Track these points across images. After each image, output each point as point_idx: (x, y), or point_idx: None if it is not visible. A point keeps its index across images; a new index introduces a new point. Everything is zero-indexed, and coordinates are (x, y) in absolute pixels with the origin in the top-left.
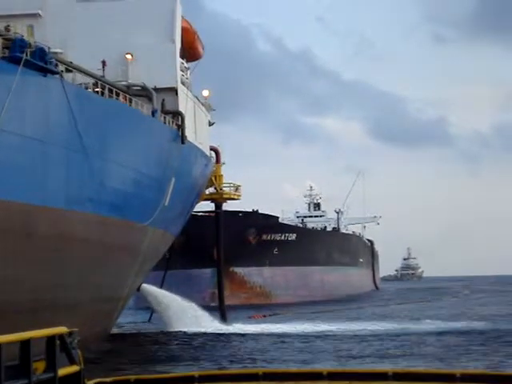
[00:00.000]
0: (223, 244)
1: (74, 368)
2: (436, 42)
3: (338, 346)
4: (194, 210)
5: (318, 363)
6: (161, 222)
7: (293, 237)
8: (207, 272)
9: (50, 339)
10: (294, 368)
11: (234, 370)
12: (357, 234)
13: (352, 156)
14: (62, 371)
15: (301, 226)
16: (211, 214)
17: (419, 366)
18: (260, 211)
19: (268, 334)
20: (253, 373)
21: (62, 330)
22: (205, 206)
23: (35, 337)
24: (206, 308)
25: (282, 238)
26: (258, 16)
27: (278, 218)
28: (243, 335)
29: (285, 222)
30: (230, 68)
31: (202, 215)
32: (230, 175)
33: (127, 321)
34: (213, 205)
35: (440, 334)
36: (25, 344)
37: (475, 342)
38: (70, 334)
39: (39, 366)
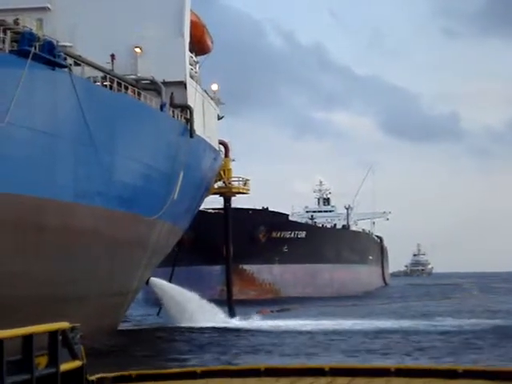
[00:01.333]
0: (233, 242)
1: (77, 363)
2: (447, 36)
3: (345, 342)
4: (204, 207)
5: (322, 358)
6: (169, 216)
7: (302, 234)
8: (217, 269)
9: (53, 334)
10: (295, 364)
11: (236, 365)
12: (366, 232)
13: (363, 151)
14: (64, 366)
15: (310, 221)
16: (221, 211)
17: (424, 363)
18: (270, 206)
19: (275, 329)
20: (254, 368)
21: (64, 325)
22: (213, 200)
23: (37, 332)
24: (216, 302)
25: (292, 235)
26: (269, 10)
27: (287, 215)
28: (249, 330)
29: (294, 217)
30: (241, 62)
31: (211, 212)
32: (240, 170)
33: (136, 314)
34: (221, 200)
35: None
36: (27, 339)
37: (484, 338)
38: (73, 329)
39: (41, 361)
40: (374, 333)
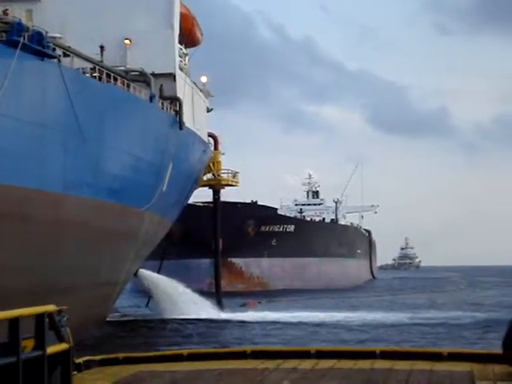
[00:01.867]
0: (222, 235)
1: (63, 346)
2: (438, 32)
3: (332, 333)
4: (193, 200)
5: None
6: (158, 208)
7: (291, 228)
8: (205, 262)
9: (39, 317)
10: (282, 346)
11: (222, 348)
12: (355, 225)
13: (352, 145)
14: (51, 349)
15: (299, 215)
16: (210, 205)
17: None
18: (259, 199)
19: (262, 320)
20: (241, 351)
21: (51, 308)
22: (203, 193)
23: (24, 315)
24: (204, 294)
25: (281, 229)
26: (259, 2)
27: (276, 209)
28: (237, 322)
29: (283, 210)
30: (231, 55)
31: (200, 205)
32: (230, 163)
33: (125, 305)
34: (210, 193)
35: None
36: (13, 322)
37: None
38: (59, 312)
39: (28, 344)
40: (361, 325)
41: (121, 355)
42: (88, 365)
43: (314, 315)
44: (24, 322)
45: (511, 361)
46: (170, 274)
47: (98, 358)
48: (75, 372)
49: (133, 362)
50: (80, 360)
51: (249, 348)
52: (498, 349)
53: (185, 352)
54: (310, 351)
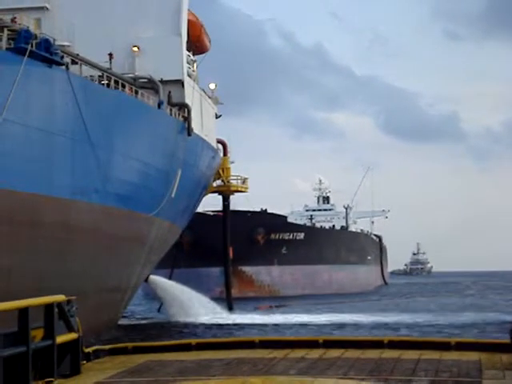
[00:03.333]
0: (232, 243)
1: (73, 335)
2: (448, 38)
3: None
4: (203, 208)
5: None
6: (167, 214)
7: (301, 236)
8: (215, 271)
9: (49, 307)
10: (290, 336)
11: (231, 338)
12: (365, 232)
13: (363, 151)
14: (61, 338)
15: (309, 221)
16: (219, 214)
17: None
18: (270, 206)
19: (273, 323)
20: (249, 340)
21: (60, 297)
22: (212, 200)
23: (33, 304)
24: (215, 300)
25: (291, 237)
26: (270, 10)
27: (286, 217)
28: (248, 325)
29: (294, 216)
30: (243, 63)
31: (210, 214)
32: (240, 169)
33: (137, 310)
34: (220, 200)
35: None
36: (23, 312)
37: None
38: (69, 301)
39: (38, 334)
40: (372, 326)
41: (130, 345)
42: (97, 354)
43: (322, 317)
44: (34, 311)
45: None
46: (181, 282)
47: (107, 347)
48: (84, 361)
49: (142, 352)
50: (89, 349)
51: (257, 337)
52: (505, 338)
53: (193, 342)
54: (318, 341)
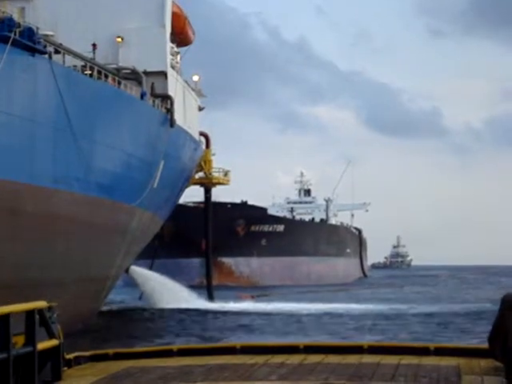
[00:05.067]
0: (212, 235)
1: (54, 342)
2: (431, 34)
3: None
4: (184, 200)
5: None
6: (149, 204)
7: (281, 228)
8: (195, 262)
9: (30, 313)
10: (270, 342)
11: (212, 344)
12: (344, 224)
13: (346, 145)
14: (42, 345)
15: (289, 214)
16: (200, 205)
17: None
18: (252, 198)
19: (251, 311)
20: (230, 346)
21: (41, 304)
22: (194, 192)
23: (15, 311)
24: (195, 289)
25: (270, 229)
26: (255, 4)
27: (266, 209)
28: (227, 312)
29: (275, 208)
30: (226, 55)
31: (190, 206)
32: (223, 162)
33: (118, 298)
34: (202, 191)
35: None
36: (4, 318)
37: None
38: (50, 308)
39: (18, 340)
40: (343, 315)
41: (111, 351)
42: (78, 361)
43: (302, 306)
44: (14, 318)
45: (497, 355)
46: (161, 273)
47: (87, 353)
48: (65, 368)
49: (123, 358)
50: (70, 356)
51: (238, 343)
52: (484, 344)
53: (175, 348)
54: (299, 346)
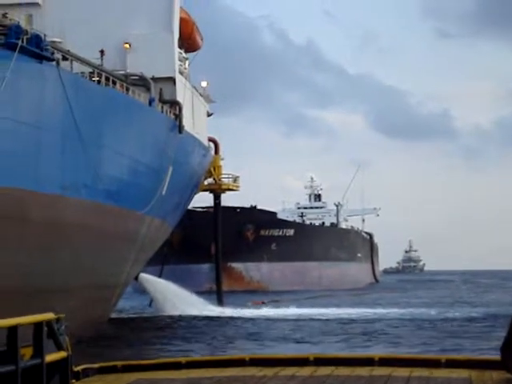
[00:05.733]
0: (221, 240)
1: (62, 354)
2: (439, 36)
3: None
4: (193, 205)
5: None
6: (158, 211)
7: (291, 232)
8: (205, 267)
9: (38, 325)
10: (280, 354)
11: (221, 356)
12: (355, 229)
13: (355, 149)
14: (50, 357)
15: (300, 218)
16: (209, 210)
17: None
18: (261, 203)
19: (261, 317)
20: (239, 358)
21: (49, 316)
22: (204, 197)
23: (23, 323)
24: (205, 295)
25: (280, 233)
26: (263, 8)
27: (275, 213)
28: (237, 318)
29: (285, 213)
30: (234, 60)
31: (199, 211)
32: (232, 167)
33: (128, 305)
34: (211, 197)
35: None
36: (12, 330)
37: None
38: (58, 320)
39: (26, 352)
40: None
41: (119, 363)
42: (86, 373)
43: (312, 312)
44: (23, 329)
45: (509, 367)
46: (170, 278)
47: (96, 365)
48: (73, 380)
49: (131, 370)
50: (78, 368)
51: (247, 356)
52: (496, 355)
53: (183, 360)
54: (309, 358)
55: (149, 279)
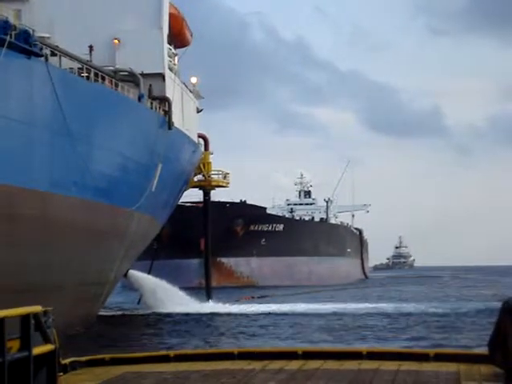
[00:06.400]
0: (211, 235)
1: (49, 347)
2: (430, 33)
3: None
4: (183, 200)
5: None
6: (148, 208)
7: (280, 227)
8: (194, 262)
9: (25, 318)
10: (269, 347)
11: (209, 349)
12: (345, 224)
13: (345, 146)
14: (37, 350)
15: (289, 215)
16: (199, 205)
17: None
18: (252, 200)
19: (251, 313)
20: (228, 352)
21: (36, 308)
22: (193, 193)
23: (9, 316)
24: (194, 290)
25: (270, 228)
26: (253, 5)
27: (265, 208)
28: (226, 315)
29: (275, 210)
30: (224, 56)
31: (189, 206)
32: (222, 163)
33: (117, 302)
34: (201, 193)
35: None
36: None
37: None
38: (45, 312)
39: (13, 345)
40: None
41: (107, 356)
42: (74, 366)
43: (302, 307)
44: (9, 322)
45: (497, 361)
46: (160, 274)
47: (84, 358)
48: (61, 373)
49: (119, 363)
50: (66, 361)
51: (236, 349)
52: (484, 349)
53: (171, 353)
54: (297, 352)
55: (138, 276)
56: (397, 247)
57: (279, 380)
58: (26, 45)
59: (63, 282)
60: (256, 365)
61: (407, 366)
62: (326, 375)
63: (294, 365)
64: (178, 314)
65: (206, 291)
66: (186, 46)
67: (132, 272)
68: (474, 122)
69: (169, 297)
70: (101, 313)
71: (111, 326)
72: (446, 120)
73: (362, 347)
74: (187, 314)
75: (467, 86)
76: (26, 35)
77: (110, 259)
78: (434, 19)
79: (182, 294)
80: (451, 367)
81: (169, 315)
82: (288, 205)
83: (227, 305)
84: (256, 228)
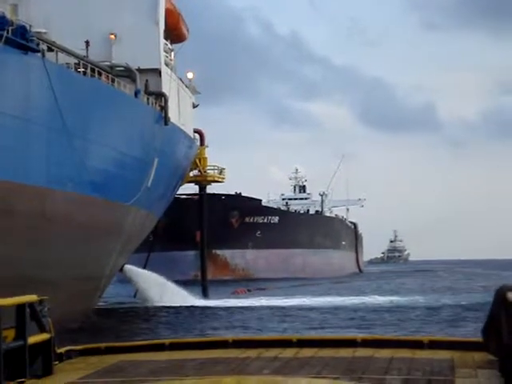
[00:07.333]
0: (206, 227)
1: (45, 336)
2: (425, 28)
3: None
4: (178, 192)
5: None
6: (144, 203)
7: (275, 220)
8: (190, 254)
9: (21, 307)
10: (263, 335)
11: (204, 337)
12: (340, 217)
13: (340, 141)
14: (32, 339)
15: (284, 208)
16: (194, 197)
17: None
18: (247, 194)
19: (247, 307)
20: (222, 340)
21: (32, 297)
22: (189, 189)
23: (5, 305)
24: (190, 283)
25: (265, 220)
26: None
27: (260, 200)
28: (222, 308)
29: (270, 204)
30: (220, 51)
31: (184, 198)
32: (217, 158)
33: (113, 296)
34: (197, 187)
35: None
36: None
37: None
38: (41, 301)
39: (9, 334)
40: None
41: (102, 345)
42: (69, 355)
43: (296, 300)
44: (5, 311)
45: (490, 348)
46: (156, 266)
47: (79, 347)
48: (56, 362)
49: (114, 352)
50: (61, 350)
51: (230, 337)
52: (478, 337)
53: (167, 342)
54: (292, 340)
55: (134, 270)
56: (392, 241)
57: (274, 368)
58: (22, 40)
59: (59, 276)
60: (250, 353)
61: (401, 353)
62: (321, 363)
63: (288, 353)
64: (173, 308)
65: (202, 285)
66: (182, 41)
67: (128, 266)
68: (467, 116)
69: (164, 290)
70: (97, 306)
71: (107, 319)
72: (440, 114)
73: (357, 335)
74: (182, 308)
75: (461, 80)
76: (22, 31)
77: (107, 254)
78: (428, 14)
79: (177, 287)
80: (445, 354)
81: (164, 309)
82: (283, 199)
83: (224, 299)
84: (251, 220)
